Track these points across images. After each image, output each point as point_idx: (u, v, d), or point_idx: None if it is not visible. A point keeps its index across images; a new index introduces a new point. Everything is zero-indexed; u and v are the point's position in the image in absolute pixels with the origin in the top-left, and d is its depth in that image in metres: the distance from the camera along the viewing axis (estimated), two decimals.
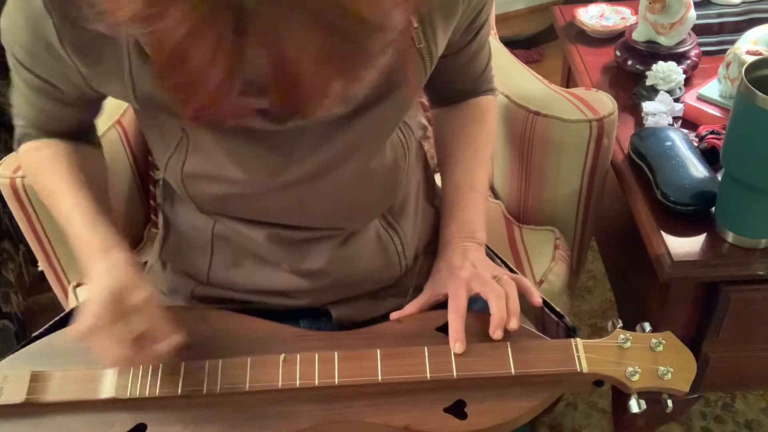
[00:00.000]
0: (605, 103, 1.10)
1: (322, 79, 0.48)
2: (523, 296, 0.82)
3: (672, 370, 0.76)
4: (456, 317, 0.79)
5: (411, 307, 0.84)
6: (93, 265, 0.74)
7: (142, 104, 0.72)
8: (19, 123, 0.84)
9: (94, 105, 0.83)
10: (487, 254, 0.90)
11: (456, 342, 0.77)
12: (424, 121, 1.30)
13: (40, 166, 0.82)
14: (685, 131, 1.15)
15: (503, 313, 0.78)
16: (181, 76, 0.47)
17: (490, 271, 0.83)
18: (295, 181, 0.75)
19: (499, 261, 0.96)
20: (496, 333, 0.78)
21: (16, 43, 0.70)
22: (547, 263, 1.13)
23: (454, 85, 0.94)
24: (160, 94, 0.50)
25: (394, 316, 0.84)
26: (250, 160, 0.74)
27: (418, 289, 0.87)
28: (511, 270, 0.94)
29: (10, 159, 1.07)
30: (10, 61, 0.74)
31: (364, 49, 0.48)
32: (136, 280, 0.72)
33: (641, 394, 0.77)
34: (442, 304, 0.83)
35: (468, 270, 0.83)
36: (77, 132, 0.84)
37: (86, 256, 0.75)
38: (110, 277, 0.72)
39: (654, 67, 1.25)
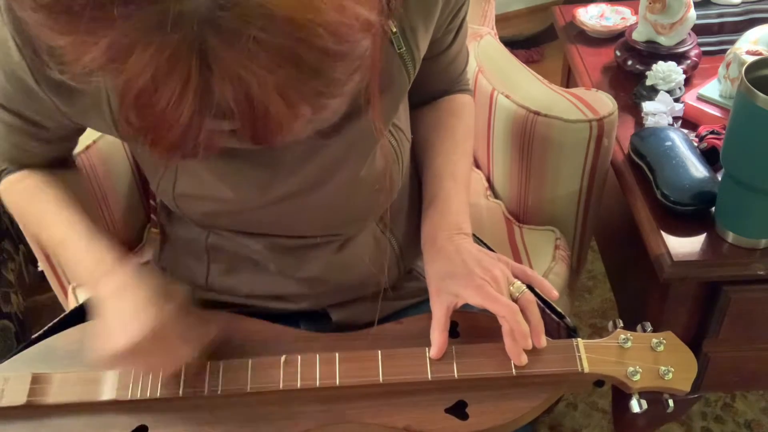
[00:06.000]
0: (605, 103, 1.10)
1: (288, 110, 0.47)
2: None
3: (673, 369, 0.76)
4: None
5: (438, 335, 0.76)
6: (108, 279, 0.72)
7: (126, 138, 0.72)
8: None
9: (73, 139, 0.82)
10: None
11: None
12: None
13: (25, 198, 0.80)
14: (685, 131, 1.15)
15: (519, 349, 0.75)
16: (147, 120, 0.47)
17: (504, 277, 0.77)
18: (285, 196, 0.75)
19: None
20: (521, 360, 0.75)
21: None
22: (547, 263, 1.13)
23: (432, 87, 0.92)
24: (128, 137, 0.50)
25: (434, 354, 0.76)
26: (237, 179, 0.73)
27: (418, 292, 0.87)
28: None
29: None
30: None
31: (328, 79, 0.47)
32: (167, 283, 0.71)
33: (642, 394, 0.77)
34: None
35: (477, 279, 0.76)
36: (55, 162, 0.83)
37: (97, 271, 0.73)
38: (141, 286, 0.70)
39: (654, 67, 1.25)
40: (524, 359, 0.75)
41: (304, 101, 0.47)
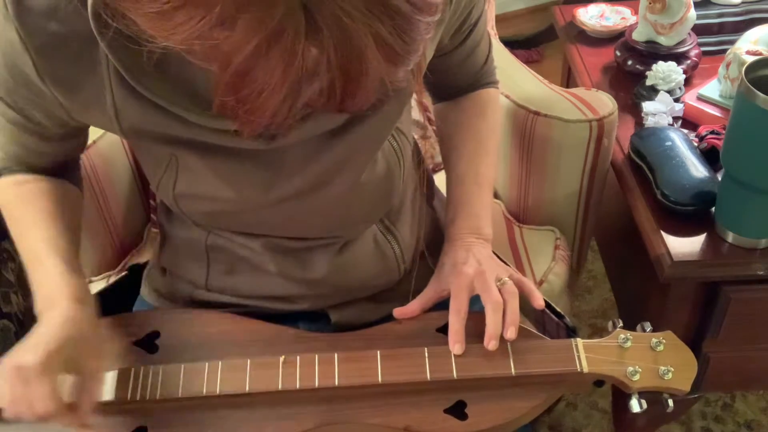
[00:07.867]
0: (605, 103, 1.10)
1: (381, 67, 0.47)
2: (524, 298, 0.82)
3: (673, 369, 0.76)
4: (456, 319, 0.78)
5: (415, 304, 0.83)
6: (54, 310, 0.70)
7: (127, 134, 0.70)
8: None
9: (76, 138, 0.80)
10: None
11: (455, 343, 0.77)
12: (424, 121, 1.30)
13: (19, 201, 0.79)
14: (685, 131, 1.15)
15: (498, 327, 0.77)
16: (247, 91, 0.46)
17: (495, 272, 0.81)
18: (286, 198, 0.74)
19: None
20: (490, 344, 0.77)
21: None
22: (547, 263, 1.13)
23: (453, 81, 0.94)
24: (220, 110, 0.49)
25: (397, 312, 0.82)
26: (239, 179, 0.73)
27: (418, 293, 0.87)
28: None
29: None
30: None
31: (410, 37, 0.48)
32: (93, 347, 0.70)
33: (642, 394, 0.77)
34: (442, 304, 0.83)
35: (472, 266, 0.81)
36: (59, 168, 0.82)
37: (52, 298, 0.72)
38: (68, 329, 0.68)
39: (654, 67, 1.25)
40: (493, 345, 0.77)
41: (394, 58, 0.48)
